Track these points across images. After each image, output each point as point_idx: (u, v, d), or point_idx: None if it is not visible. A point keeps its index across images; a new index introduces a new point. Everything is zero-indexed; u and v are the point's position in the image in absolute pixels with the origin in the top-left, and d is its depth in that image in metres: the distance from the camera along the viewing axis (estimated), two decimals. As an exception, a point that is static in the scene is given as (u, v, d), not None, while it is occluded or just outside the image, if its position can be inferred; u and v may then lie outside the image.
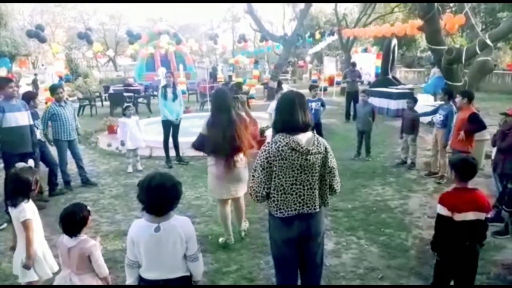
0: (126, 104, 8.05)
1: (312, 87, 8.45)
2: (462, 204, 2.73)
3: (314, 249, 2.68)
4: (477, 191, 2.85)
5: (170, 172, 7.16)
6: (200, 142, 4.17)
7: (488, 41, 5.66)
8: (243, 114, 4.39)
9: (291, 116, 2.54)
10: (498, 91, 18.59)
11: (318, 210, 2.60)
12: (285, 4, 37.42)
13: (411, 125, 7.11)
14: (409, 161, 7.25)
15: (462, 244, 2.76)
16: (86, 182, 6.54)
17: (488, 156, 6.69)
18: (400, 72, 26.89)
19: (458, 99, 5.23)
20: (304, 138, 2.53)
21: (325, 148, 2.59)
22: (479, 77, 7.05)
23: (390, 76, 19.63)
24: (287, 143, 2.49)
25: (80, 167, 6.57)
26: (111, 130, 10.76)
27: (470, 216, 2.72)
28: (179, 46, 24.05)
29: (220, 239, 4.43)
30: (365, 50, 29.85)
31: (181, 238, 2.35)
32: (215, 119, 4.05)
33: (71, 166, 6.77)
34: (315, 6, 23.60)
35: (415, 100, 7.25)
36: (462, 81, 6.77)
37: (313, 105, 7.94)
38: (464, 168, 2.85)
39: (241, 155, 4.11)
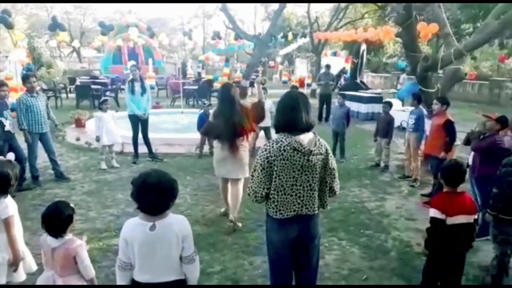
0: (103, 98, 7.75)
1: (294, 88, 8.48)
2: (453, 208, 2.80)
3: (310, 251, 2.65)
4: (465, 193, 2.94)
5: (144, 168, 7.00)
6: (207, 128, 4.94)
7: (464, 51, 5.89)
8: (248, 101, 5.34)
9: (294, 116, 2.49)
10: (459, 99, 19.38)
11: (316, 212, 2.58)
12: (258, 4, 37.49)
13: (386, 129, 7.28)
14: (382, 164, 7.42)
15: (452, 247, 2.83)
16: (60, 177, 6.24)
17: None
18: (367, 77, 27.55)
19: (436, 106, 5.38)
20: (306, 138, 2.50)
21: (326, 149, 2.57)
22: (450, 84, 7.31)
23: (358, 81, 20.14)
24: (289, 143, 2.44)
25: (53, 161, 6.27)
26: (79, 123, 10.35)
27: (461, 219, 2.79)
28: (148, 39, 23.51)
29: (222, 209, 5.06)
30: (335, 54, 30.40)
31: (177, 237, 2.25)
32: (220, 109, 4.62)
33: (38, 160, 6.44)
34: (287, 8, 23.70)
35: (390, 105, 7.43)
36: (436, 88, 7.00)
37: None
38: (454, 174, 2.91)
39: (242, 139, 4.61)
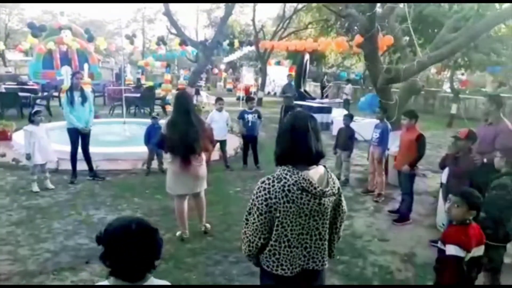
0: (36, 109, 6.72)
1: (249, 99, 8.17)
2: (469, 241, 2.48)
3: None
4: (472, 223, 2.62)
5: (83, 189, 6.15)
6: (161, 141, 4.45)
7: (428, 63, 5.83)
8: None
9: (303, 144, 1.99)
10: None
11: (326, 266, 2.12)
12: (200, 9, 36.93)
13: (347, 142, 7.07)
14: (342, 178, 7.18)
15: (466, 281, 2.51)
16: None
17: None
18: (309, 86, 27.93)
19: (405, 121, 5.25)
20: (316, 174, 2.01)
21: (338, 188, 2.11)
22: (408, 96, 7.30)
23: (302, 90, 20.30)
24: (296, 181, 1.93)
25: None
26: (4, 136, 9.09)
27: (478, 251, 2.50)
28: (83, 43, 21.94)
29: (177, 233, 4.55)
30: (278, 63, 30.62)
31: None
32: (174, 120, 4.29)
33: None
34: (231, 16, 23.23)
35: (351, 117, 7.25)
36: (394, 100, 6.93)
37: (250, 117, 7.58)
38: (476, 200, 2.60)
39: (197, 155, 4.34)
